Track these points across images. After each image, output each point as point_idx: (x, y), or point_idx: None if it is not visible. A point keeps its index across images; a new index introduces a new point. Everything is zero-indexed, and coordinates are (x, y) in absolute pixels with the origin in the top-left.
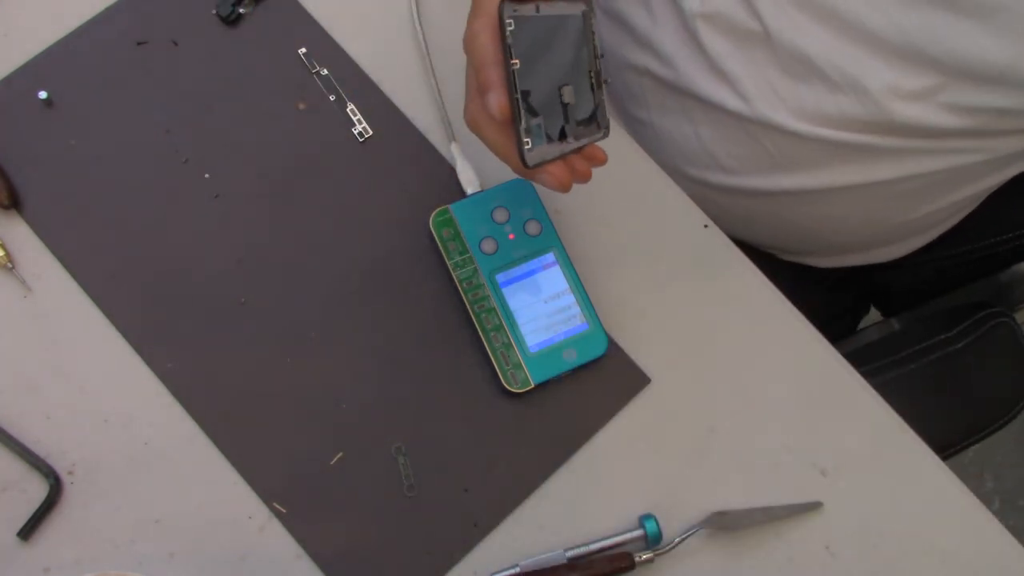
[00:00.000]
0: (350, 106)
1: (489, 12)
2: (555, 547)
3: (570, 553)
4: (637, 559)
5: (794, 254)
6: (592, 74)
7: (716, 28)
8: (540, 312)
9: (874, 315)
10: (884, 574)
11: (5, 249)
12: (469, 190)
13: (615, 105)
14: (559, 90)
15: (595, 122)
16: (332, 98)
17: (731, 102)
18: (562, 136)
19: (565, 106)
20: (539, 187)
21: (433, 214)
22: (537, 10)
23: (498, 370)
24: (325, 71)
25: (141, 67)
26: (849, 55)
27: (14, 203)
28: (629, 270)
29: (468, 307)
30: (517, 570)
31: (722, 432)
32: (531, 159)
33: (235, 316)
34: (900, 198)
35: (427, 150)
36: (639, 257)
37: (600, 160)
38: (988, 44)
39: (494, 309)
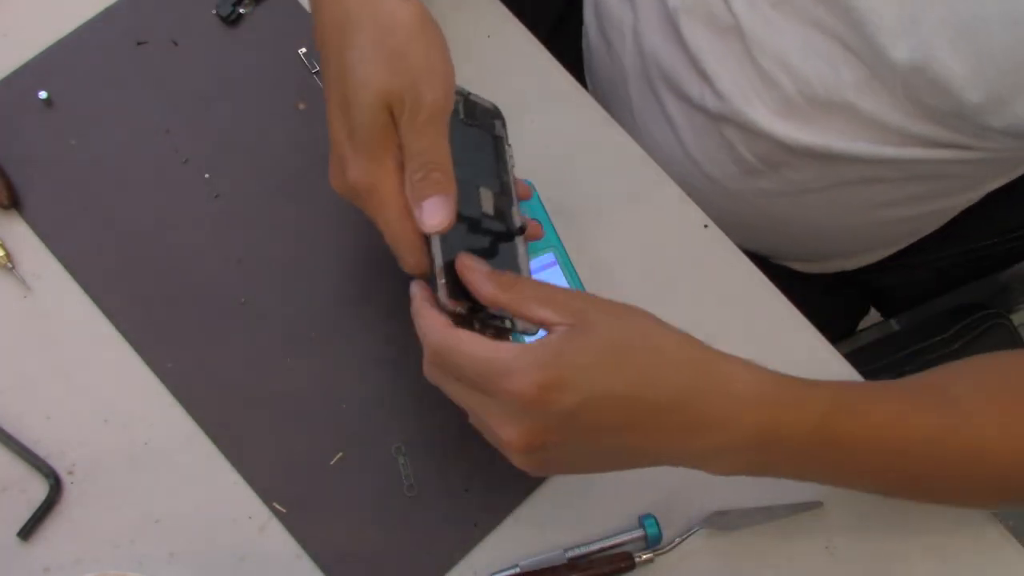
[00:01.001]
0: None
1: (379, 147)
2: (555, 547)
3: (570, 553)
4: (637, 559)
5: (781, 259)
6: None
7: (697, 21)
8: None
9: (874, 315)
10: (884, 574)
11: (5, 249)
12: None
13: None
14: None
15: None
16: None
17: (709, 100)
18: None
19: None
20: (539, 187)
21: None
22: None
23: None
24: None
25: (141, 67)
26: (822, 52)
27: (14, 203)
28: (629, 270)
29: None
30: (517, 570)
31: None
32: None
33: (235, 316)
34: (873, 206)
35: None
36: (639, 257)
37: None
38: (952, 63)
39: None
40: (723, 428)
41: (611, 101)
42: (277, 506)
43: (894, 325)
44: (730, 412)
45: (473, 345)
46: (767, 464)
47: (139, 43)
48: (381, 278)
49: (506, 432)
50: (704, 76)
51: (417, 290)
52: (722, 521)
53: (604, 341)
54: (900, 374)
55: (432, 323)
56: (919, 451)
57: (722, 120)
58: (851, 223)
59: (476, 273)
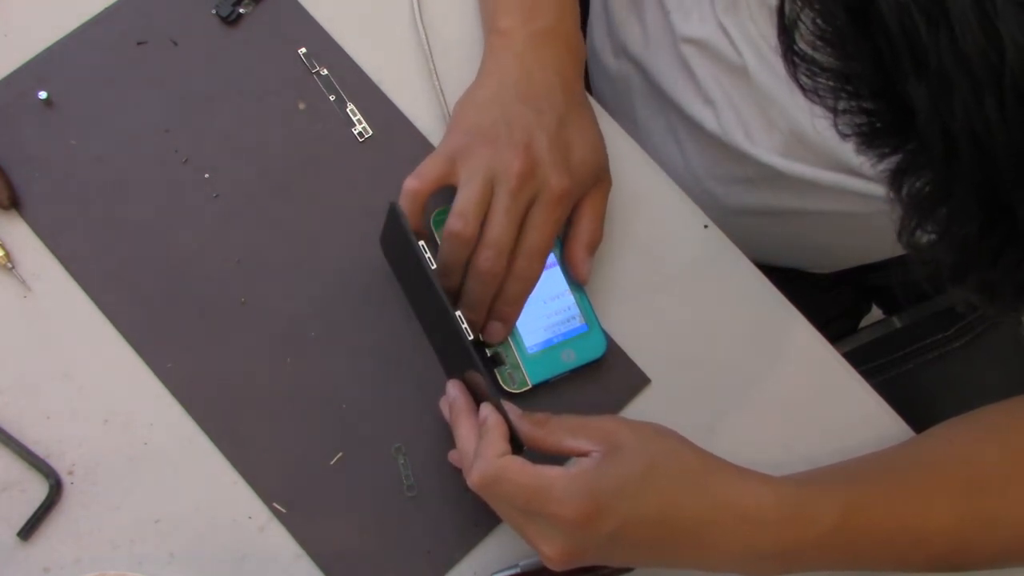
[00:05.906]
0: (350, 106)
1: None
2: None
3: None
4: None
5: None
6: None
7: (702, 54)
8: (539, 313)
9: (876, 313)
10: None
11: (5, 249)
12: None
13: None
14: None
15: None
16: (332, 98)
17: (712, 125)
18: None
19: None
20: None
21: (433, 214)
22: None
23: (496, 370)
24: (325, 71)
25: (141, 67)
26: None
27: (14, 203)
28: (629, 270)
29: None
30: (517, 570)
31: (722, 432)
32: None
33: (235, 316)
34: (875, 227)
35: (427, 150)
36: (639, 257)
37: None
38: None
39: None
40: (741, 545)
41: (614, 105)
42: (277, 506)
43: (896, 322)
44: (748, 534)
45: (521, 475)
46: (786, 567)
47: (139, 43)
48: (381, 278)
49: (548, 548)
50: (709, 102)
51: (456, 393)
52: None
53: (636, 465)
54: (900, 373)
55: (482, 451)
56: (943, 542)
57: (726, 145)
58: (853, 242)
59: (512, 416)
